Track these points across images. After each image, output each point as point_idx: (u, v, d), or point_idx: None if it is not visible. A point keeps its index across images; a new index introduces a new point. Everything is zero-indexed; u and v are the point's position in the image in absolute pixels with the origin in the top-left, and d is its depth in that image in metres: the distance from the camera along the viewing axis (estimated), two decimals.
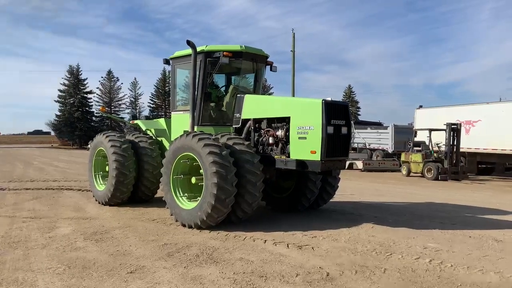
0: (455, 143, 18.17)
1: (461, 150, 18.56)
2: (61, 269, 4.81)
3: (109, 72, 74.22)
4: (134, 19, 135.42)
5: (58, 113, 69.63)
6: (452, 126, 18.07)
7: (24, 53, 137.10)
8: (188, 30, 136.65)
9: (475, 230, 7.14)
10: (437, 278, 4.66)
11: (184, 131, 7.59)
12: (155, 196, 9.63)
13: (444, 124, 18.20)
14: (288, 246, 5.88)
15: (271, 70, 8.91)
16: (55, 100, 70.13)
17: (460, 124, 18.64)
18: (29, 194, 10.94)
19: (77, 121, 67.62)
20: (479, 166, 20.60)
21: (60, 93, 69.95)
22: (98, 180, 9.78)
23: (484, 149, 19.32)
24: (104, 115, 71.93)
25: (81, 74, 71.36)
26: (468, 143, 19.47)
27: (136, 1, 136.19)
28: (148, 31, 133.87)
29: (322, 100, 6.64)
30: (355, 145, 28.29)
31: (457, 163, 18.18)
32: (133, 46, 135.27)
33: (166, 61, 9.02)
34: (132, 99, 76.72)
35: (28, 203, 9.51)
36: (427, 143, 19.76)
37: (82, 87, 71.12)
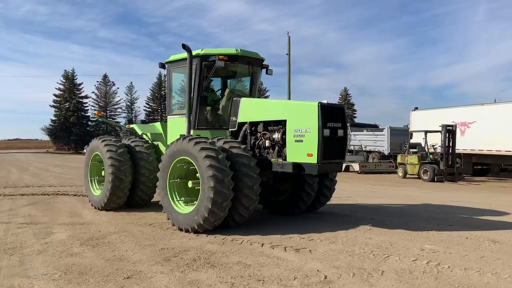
0: (450, 145, 18.26)
1: (456, 151, 18.66)
2: (57, 275, 4.77)
3: (105, 77, 74.20)
4: (127, 23, 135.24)
5: (54, 118, 69.40)
6: (448, 128, 18.17)
7: (17, 58, 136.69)
8: (182, 34, 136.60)
9: (472, 231, 7.17)
10: (435, 279, 4.66)
11: (180, 135, 7.58)
12: (151, 200, 9.60)
13: (440, 126, 18.29)
14: (285, 249, 5.87)
15: (267, 73, 8.92)
16: (50, 105, 69.96)
17: (456, 126, 18.75)
18: (24, 199, 10.87)
19: (72, 125, 67.45)
20: (475, 167, 20.72)
21: (56, 98, 69.78)
22: (94, 185, 9.74)
23: (479, 150, 19.42)
24: (100, 119, 71.66)
25: (77, 78, 71.32)
26: (464, 144, 19.57)
27: (129, 5, 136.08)
28: (142, 35, 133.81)
29: (318, 102, 6.66)
30: (352, 148, 28.36)
31: (453, 165, 18.26)
32: (128, 50, 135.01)
33: (162, 65, 9.02)
34: (128, 103, 76.72)
35: (23, 208, 9.44)
36: (423, 144, 19.84)
37: (77, 92, 70.99)
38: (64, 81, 70.23)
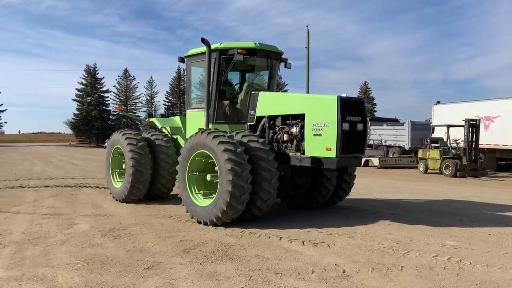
0: (473, 139, 17.83)
1: (480, 146, 18.20)
2: (80, 265, 4.89)
3: (125, 71, 75.24)
4: (146, 17, 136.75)
5: (76, 112, 70.84)
6: (471, 122, 17.74)
7: (40, 53, 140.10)
8: (201, 28, 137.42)
9: (495, 228, 7.00)
10: (456, 276, 4.58)
11: (199, 129, 7.63)
12: (171, 193, 9.72)
13: (463, 120, 17.87)
14: (303, 243, 5.86)
15: (285, 67, 8.87)
16: (72, 99, 71.44)
17: (479, 120, 18.28)
18: (48, 191, 11.15)
19: (94, 119, 68.67)
20: (499, 162, 20.23)
21: (78, 92, 71.15)
22: (115, 178, 9.92)
23: (503, 145, 18.94)
24: (120, 113, 72.71)
25: (98, 73, 72.46)
26: (487, 139, 19.09)
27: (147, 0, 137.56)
28: (160, 29, 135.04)
29: (338, 96, 6.59)
30: (371, 142, 28.02)
31: (476, 160, 17.84)
32: (147, 45, 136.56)
33: (181, 59, 9.07)
34: (148, 97, 77.62)
35: (47, 200, 9.69)
36: (445, 139, 19.44)
37: (99, 86, 72.18)
38: (86, 75, 71.49)
